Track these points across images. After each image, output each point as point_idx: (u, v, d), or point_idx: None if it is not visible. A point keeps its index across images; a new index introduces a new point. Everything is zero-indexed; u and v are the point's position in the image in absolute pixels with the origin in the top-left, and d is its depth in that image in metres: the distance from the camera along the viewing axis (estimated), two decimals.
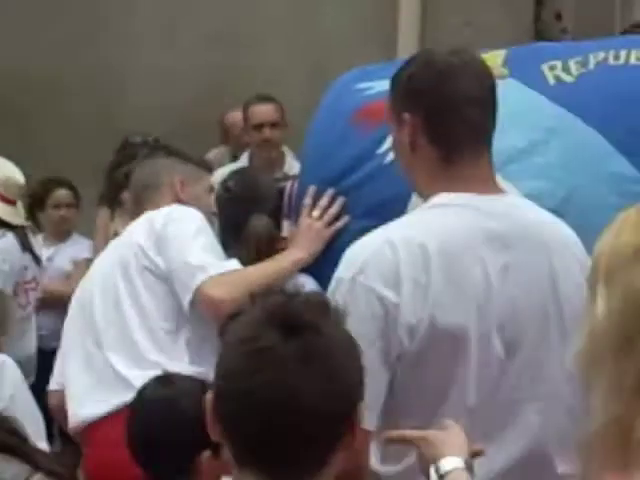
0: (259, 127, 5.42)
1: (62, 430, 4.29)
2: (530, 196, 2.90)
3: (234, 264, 3.22)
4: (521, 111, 3.10)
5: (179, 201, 3.42)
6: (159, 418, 2.64)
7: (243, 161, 5.58)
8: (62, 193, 5.96)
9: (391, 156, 3.10)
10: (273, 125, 5.38)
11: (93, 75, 7.06)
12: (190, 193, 3.49)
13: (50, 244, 5.80)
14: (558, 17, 7.71)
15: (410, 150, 2.49)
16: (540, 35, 7.16)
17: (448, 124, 2.47)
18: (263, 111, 5.48)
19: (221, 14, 6.82)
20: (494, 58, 3.32)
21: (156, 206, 3.39)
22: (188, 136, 6.11)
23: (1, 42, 7.04)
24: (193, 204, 3.40)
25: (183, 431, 2.57)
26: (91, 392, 3.14)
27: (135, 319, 3.20)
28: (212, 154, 6.14)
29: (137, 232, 3.32)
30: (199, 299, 3.15)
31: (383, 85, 3.17)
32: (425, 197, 2.54)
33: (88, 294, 3.31)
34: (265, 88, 5.89)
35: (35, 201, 5.89)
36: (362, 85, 3.36)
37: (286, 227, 3.36)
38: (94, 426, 3.10)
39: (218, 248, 3.28)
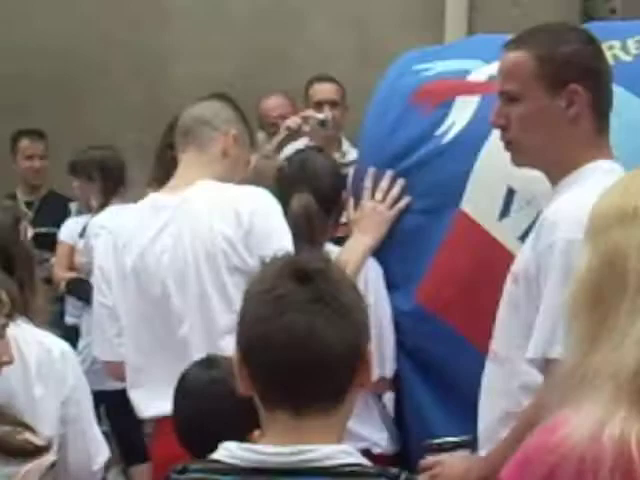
0: (319, 105, 5.43)
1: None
2: None
3: None
4: None
5: (224, 154, 3.30)
6: (207, 400, 2.65)
7: (304, 140, 5.53)
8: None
9: (449, 136, 3.21)
10: (333, 104, 5.40)
11: (140, 54, 7.07)
12: (236, 154, 3.38)
13: None
14: None
15: (569, 121, 2.58)
16: (588, 14, 7.18)
17: (605, 99, 2.61)
18: (324, 89, 5.55)
19: (274, 4, 6.89)
20: None
21: (202, 146, 3.26)
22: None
23: (56, 25, 7.08)
24: (232, 165, 3.33)
25: (232, 412, 2.56)
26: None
27: (224, 318, 3.05)
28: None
29: (220, 221, 3.14)
30: None
31: (442, 66, 3.33)
32: (567, 166, 2.61)
33: (156, 279, 3.12)
34: (312, 70, 5.95)
35: None
36: (420, 66, 3.39)
37: (351, 210, 3.39)
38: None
39: None
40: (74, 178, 5.74)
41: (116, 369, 3.28)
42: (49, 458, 2.68)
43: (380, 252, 3.25)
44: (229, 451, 1.90)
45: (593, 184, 2.39)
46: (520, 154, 2.70)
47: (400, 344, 3.23)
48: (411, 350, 3.21)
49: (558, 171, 2.62)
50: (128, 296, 3.20)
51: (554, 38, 2.68)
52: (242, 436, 2.59)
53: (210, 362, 2.80)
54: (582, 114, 2.55)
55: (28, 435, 2.60)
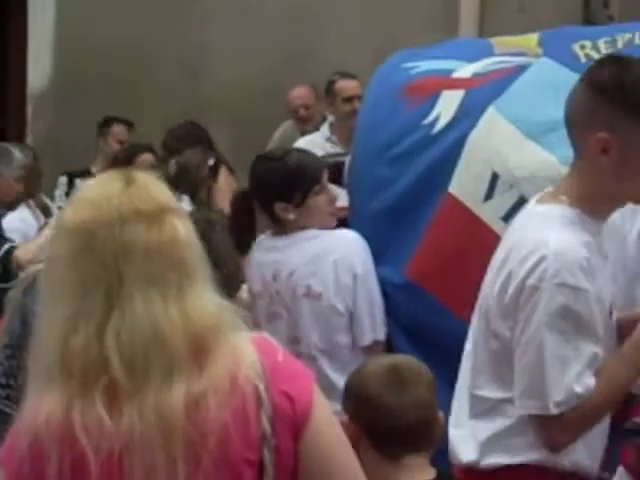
0: (349, 99, 5.56)
1: None
2: (568, 161, 2.80)
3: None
4: (557, 86, 3.05)
5: (595, 165, 2.35)
6: None
7: (324, 132, 5.76)
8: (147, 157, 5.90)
9: (437, 126, 3.26)
10: (359, 98, 5.34)
11: (183, 49, 7.32)
12: (619, 162, 2.46)
13: None
14: (605, 5, 7.92)
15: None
16: (588, 21, 7.24)
17: None
18: (351, 86, 5.62)
19: (299, 9, 7.01)
20: (529, 40, 3.46)
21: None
22: (267, 105, 6.49)
23: (115, 23, 7.35)
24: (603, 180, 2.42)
25: None
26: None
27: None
28: (280, 130, 6.35)
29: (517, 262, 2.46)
30: None
31: (428, 65, 3.41)
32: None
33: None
34: (334, 66, 6.07)
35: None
36: (408, 64, 3.46)
37: (343, 196, 3.44)
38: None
39: None
40: None
41: None
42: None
43: (374, 231, 3.31)
44: None
45: None
46: None
47: (391, 313, 3.28)
48: (400, 318, 3.27)
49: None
50: None
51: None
52: None
53: None
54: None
55: None
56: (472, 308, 2.81)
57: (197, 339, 1.68)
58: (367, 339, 3.29)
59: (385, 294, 3.31)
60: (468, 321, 2.75)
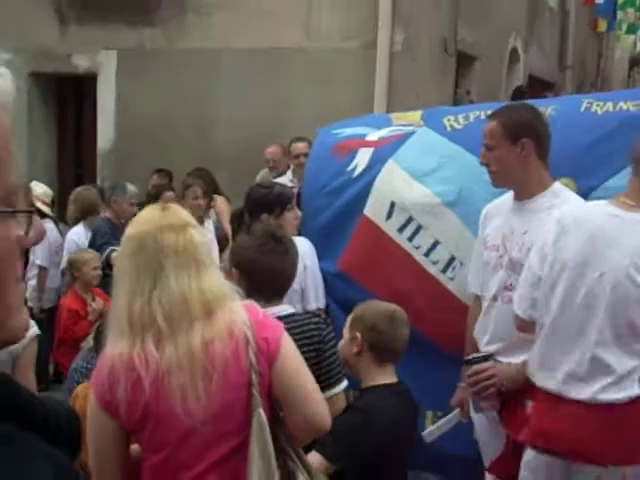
0: (297, 156, 5.60)
1: None
2: (440, 194, 3.28)
3: None
4: (433, 146, 3.39)
5: None
6: None
7: (289, 175, 5.73)
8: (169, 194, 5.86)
9: (356, 172, 3.48)
10: (305, 155, 5.36)
11: (197, 120, 7.56)
12: None
13: None
14: (468, 93, 8.54)
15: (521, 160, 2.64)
16: (456, 103, 7.58)
17: (546, 148, 2.67)
18: (300, 146, 5.62)
19: (270, 97, 7.18)
20: (415, 115, 3.68)
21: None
22: (252, 158, 6.62)
23: (153, 103, 7.67)
24: None
25: None
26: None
27: None
28: (260, 174, 6.32)
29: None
30: None
31: (349, 131, 3.68)
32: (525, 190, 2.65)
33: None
34: (294, 133, 6.03)
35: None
36: (336, 131, 3.72)
37: (297, 212, 3.45)
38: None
39: None
40: None
41: None
42: (34, 330, 2.77)
43: (318, 239, 3.47)
44: None
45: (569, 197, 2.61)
46: (497, 179, 2.75)
47: (329, 292, 3.47)
48: (335, 295, 3.47)
49: (524, 189, 2.68)
50: None
51: (514, 114, 2.71)
52: None
53: None
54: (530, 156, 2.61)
55: None
56: (381, 288, 3.17)
57: (208, 304, 1.83)
58: (312, 306, 3.40)
59: (325, 279, 3.46)
60: (379, 297, 2.95)
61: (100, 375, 1.83)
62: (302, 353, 2.03)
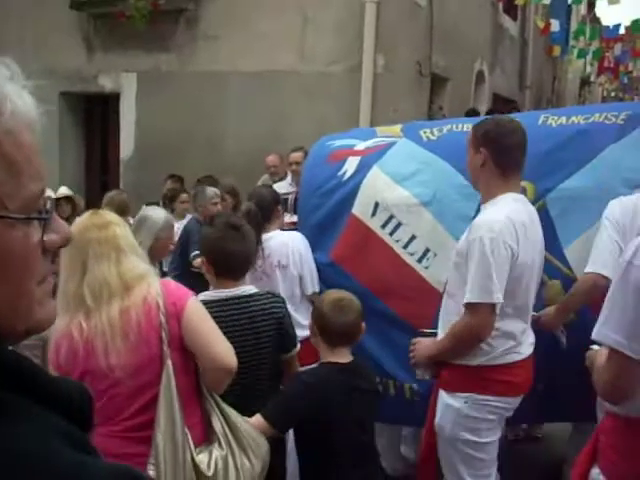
0: (292, 164, 5.60)
1: None
2: (417, 195, 3.22)
3: None
4: (411, 154, 3.35)
5: None
6: None
7: (288, 180, 5.70)
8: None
9: (346, 176, 3.35)
10: (298, 163, 5.35)
11: (209, 134, 7.49)
12: None
13: None
14: (440, 108, 8.45)
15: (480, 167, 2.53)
16: (431, 118, 7.56)
17: (507, 157, 2.51)
18: (296, 156, 5.59)
19: (270, 113, 7.13)
20: (395, 129, 3.61)
21: None
22: (255, 166, 6.56)
23: (170, 118, 7.57)
24: None
25: None
26: None
27: None
28: (261, 179, 6.24)
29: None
30: None
31: (340, 142, 3.63)
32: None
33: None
34: (293, 144, 5.99)
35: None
36: (330, 142, 3.68)
37: (289, 217, 3.39)
38: None
39: None
40: None
41: None
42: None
43: (312, 234, 3.42)
44: None
45: (502, 205, 2.47)
46: (471, 182, 2.68)
47: (322, 279, 3.38)
48: (327, 282, 3.34)
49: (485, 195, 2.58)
50: None
51: (480, 124, 2.61)
52: None
53: None
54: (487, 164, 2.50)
55: None
56: (366, 276, 3.13)
57: (126, 282, 1.92)
58: (309, 291, 3.38)
59: (318, 269, 3.40)
60: (364, 285, 3.03)
61: (53, 348, 1.96)
62: (264, 324, 2.19)
